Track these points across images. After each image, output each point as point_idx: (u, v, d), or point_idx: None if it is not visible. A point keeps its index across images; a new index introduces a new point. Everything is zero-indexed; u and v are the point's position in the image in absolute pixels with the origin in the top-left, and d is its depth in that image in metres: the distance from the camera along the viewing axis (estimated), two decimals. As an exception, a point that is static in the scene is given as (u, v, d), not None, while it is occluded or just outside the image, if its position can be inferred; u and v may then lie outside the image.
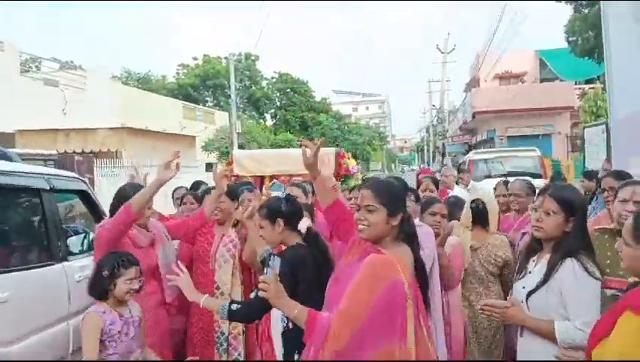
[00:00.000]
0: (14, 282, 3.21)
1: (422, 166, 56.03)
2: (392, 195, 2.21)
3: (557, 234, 2.48)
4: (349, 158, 8.15)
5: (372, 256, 2.09)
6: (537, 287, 2.44)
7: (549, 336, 2.38)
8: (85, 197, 4.56)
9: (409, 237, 2.24)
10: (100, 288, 2.95)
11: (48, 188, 3.82)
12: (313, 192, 4.70)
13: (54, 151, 13.39)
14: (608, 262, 2.68)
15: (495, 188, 5.39)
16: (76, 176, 4.68)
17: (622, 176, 3.62)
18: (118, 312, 2.93)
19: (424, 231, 3.21)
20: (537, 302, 2.45)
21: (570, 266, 2.38)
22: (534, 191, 4.44)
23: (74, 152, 15.57)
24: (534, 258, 2.61)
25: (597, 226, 3.00)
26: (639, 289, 1.87)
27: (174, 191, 5.89)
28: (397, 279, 2.02)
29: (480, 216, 3.88)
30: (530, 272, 2.57)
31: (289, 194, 3.73)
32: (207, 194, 4.13)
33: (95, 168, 14.36)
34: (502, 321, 2.72)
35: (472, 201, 3.97)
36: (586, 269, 2.35)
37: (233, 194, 4.07)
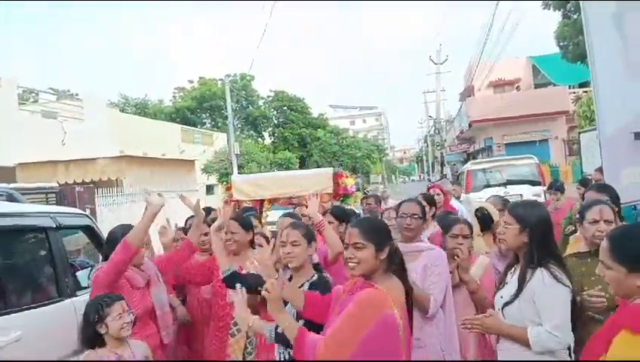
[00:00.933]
0: (26, 321, 3.29)
1: (422, 176, 56.01)
2: (378, 231, 2.32)
3: (515, 244, 2.65)
4: (347, 177, 8.21)
5: (364, 291, 2.19)
6: (512, 297, 2.58)
7: (524, 342, 2.50)
8: (90, 231, 4.65)
9: (398, 267, 2.33)
10: (91, 336, 2.97)
11: (54, 226, 3.92)
12: None
13: (55, 184, 13.46)
14: (586, 288, 2.75)
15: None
16: (80, 212, 4.79)
17: (605, 189, 3.66)
18: (117, 354, 2.94)
19: (435, 256, 3.24)
20: (512, 311, 2.59)
21: (539, 275, 2.51)
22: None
23: (74, 183, 15.65)
24: (512, 270, 2.74)
25: (571, 252, 3.07)
26: (633, 307, 1.88)
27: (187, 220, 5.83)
28: (387, 313, 2.12)
29: (487, 222, 4.04)
30: (506, 283, 2.70)
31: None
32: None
33: (96, 198, 14.43)
34: (482, 331, 2.80)
35: (477, 210, 4.11)
36: (554, 277, 2.47)
37: (247, 224, 3.97)
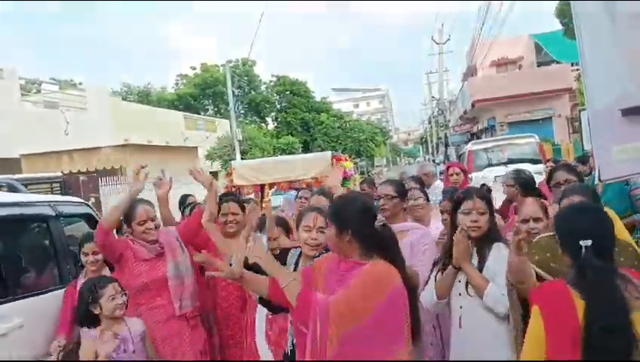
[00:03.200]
0: (28, 307, 3.39)
1: (427, 157, 55.86)
2: (341, 213, 2.30)
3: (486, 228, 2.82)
4: (345, 160, 8.26)
5: (373, 264, 2.20)
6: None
7: (479, 290, 2.67)
8: (90, 219, 4.73)
9: (384, 250, 2.27)
10: (86, 316, 3.08)
11: (54, 214, 3.99)
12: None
13: (59, 173, 13.58)
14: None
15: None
16: (80, 200, 4.87)
17: (572, 169, 3.73)
18: (113, 331, 3.06)
19: (421, 233, 3.27)
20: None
21: (496, 247, 2.75)
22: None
23: (79, 172, 15.78)
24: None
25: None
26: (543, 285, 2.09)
27: (181, 198, 5.86)
28: (397, 285, 2.16)
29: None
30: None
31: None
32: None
33: (100, 186, 14.56)
34: (456, 256, 2.77)
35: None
36: (509, 246, 2.53)
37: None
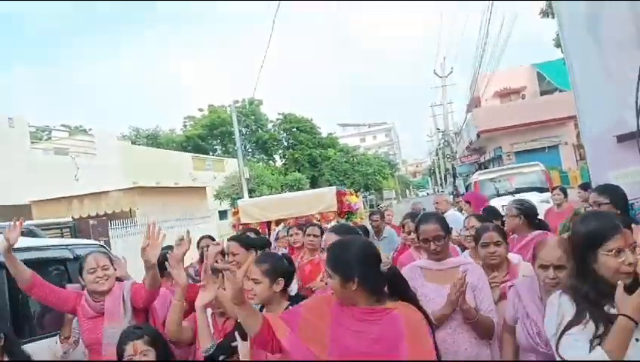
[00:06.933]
0: (49, 347, 3.65)
1: (436, 189, 55.75)
2: (343, 261, 2.12)
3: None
4: (350, 195, 8.34)
5: (402, 310, 2.08)
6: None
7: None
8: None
9: (395, 292, 2.18)
10: None
11: (72, 257, 4.29)
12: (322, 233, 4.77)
13: (70, 218, 13.73)
14: None
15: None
16: (95, 242, 5.10)
17: (606, 190, 3.50)
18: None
19: (473, 271, 2.96)
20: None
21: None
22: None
23: (88, 216, 15.92)
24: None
25: None
26: None
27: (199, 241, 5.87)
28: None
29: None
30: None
31: (286, 254, 3.78)
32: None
33: (109, 230, 14.67)
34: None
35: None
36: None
37: (248, 243, 3.86)
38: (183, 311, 3.05)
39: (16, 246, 3.09)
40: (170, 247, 3.32)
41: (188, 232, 3.35)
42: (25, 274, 3.19)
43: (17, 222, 3.12)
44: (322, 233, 4.72)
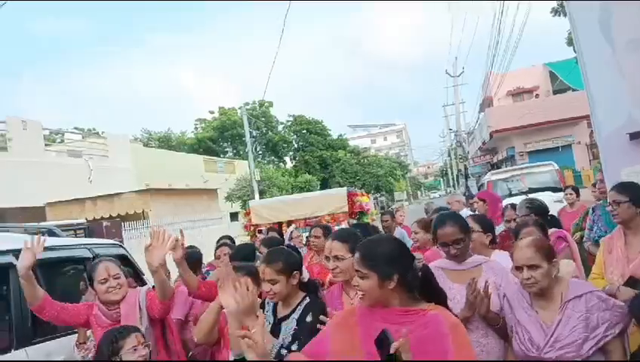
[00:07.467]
0: (69, 344, 3.72)
1: (448, 190, 55.53)
2: (381, 258, 1.99)
3: None
4: (361, 196, 8.34)
5: (440, 313, 1.96)
6: None
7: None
8: (124, 260, 4.90)
9: (430, 292, 2.05)
10: None
11: (91, 256, 4.37)
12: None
13: (83, 220, 13.87)
14: None
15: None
16: (114, 242, 5.17)
17: (626, 189, 3.37)
18: None
19: (496, 269, 2.84)
20: None
21: None
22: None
23: (102, 218, 16.06)
24: None
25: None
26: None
27: (218, 240, 5.70)
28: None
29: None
30: None
31: (289, 244, 3.71)
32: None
33: (123, 231, 14.79)
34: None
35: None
36: None
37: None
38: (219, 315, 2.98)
39: None
40: (191, 247, 3.37)
41: (181, 231, 3.52)
42: (38, 294, 3.17)
43: (41, 240, 3.11)
44: (328, 234, 4.66)
